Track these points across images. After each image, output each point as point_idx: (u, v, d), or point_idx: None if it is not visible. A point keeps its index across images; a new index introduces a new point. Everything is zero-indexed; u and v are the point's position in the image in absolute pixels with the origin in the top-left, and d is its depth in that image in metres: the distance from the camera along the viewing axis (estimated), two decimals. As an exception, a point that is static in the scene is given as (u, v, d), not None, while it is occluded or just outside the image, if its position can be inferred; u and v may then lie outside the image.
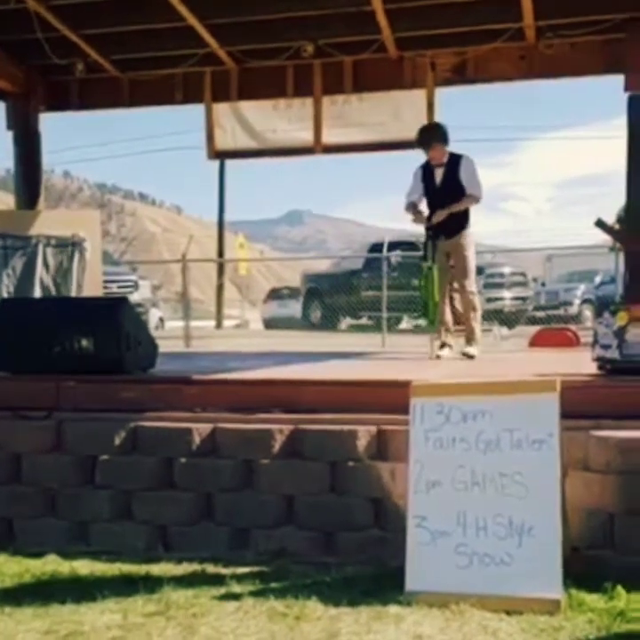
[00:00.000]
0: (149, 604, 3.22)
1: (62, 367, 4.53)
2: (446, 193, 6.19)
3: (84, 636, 2.98)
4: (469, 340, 6.16)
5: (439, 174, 6.27)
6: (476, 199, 6.24)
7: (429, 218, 6.21)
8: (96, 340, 4.60)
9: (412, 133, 6.62)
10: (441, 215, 6.13)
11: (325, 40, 7.59)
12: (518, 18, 7.08)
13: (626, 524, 3.46)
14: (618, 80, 7.20)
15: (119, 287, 14.43)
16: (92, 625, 3.05)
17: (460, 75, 7.68)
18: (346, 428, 3.89)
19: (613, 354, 4.23)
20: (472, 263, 6.24)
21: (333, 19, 7.36)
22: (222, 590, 3.37)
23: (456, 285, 6.35)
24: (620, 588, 3.20)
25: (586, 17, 7.01)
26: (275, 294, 23.64)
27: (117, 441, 4.12)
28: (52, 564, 3.77)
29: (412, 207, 6.34)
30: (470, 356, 5.98)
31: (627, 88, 7.11)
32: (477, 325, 6.25)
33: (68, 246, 7.69)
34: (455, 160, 6.23)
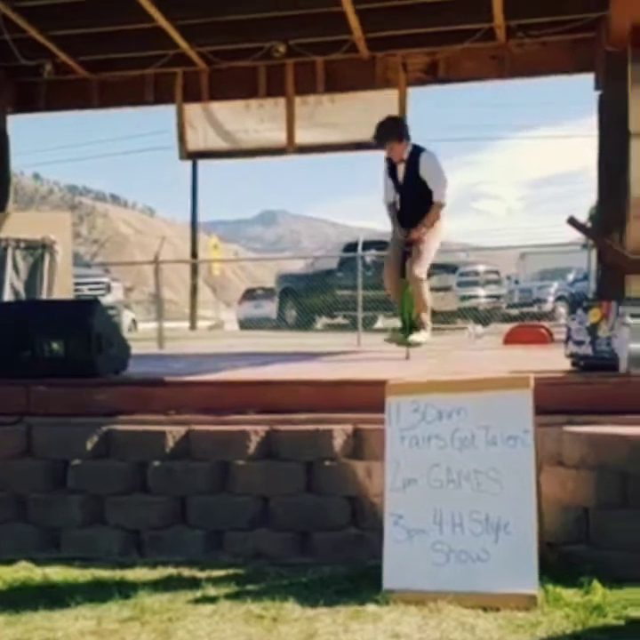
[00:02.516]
0: (124, 610, 3.18)
1: (33, 371, 4.46)
2: (409, 191, 6.04)
3: (58, 642, 2.94)
4: (416, 327, 6.00)
5: (401, 171, 6.10)
6: (441, 205, 6.04)
7: (405, 231, 6.04)
8: (67, 344, 4.53)
9: (384, 133, 6.59)
10: (418, 232, 5.99)
11: (297, 40, 7.58)
12: (489, 18, 7.11)
13: (600, 519, 3.47)
14: (589, 79, 7.25)
15: (91, 289, 14.35)
16: (66, 631, 3.01)
17: (432, 75, 7.70)
18: (321, 427, 3.87)
19: (586, 350, 4.25)
20: (429, 252, 6.04)
21: (305, 19, 7.35)
22: (198, 594, 3.33)
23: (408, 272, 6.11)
24: (595, 583, 3.20)
25: (556, 16, 7.05)
26: (249, 295, 23.62)
27: (89, 445, 4.07)
28: (23, 571, 3.71)
29: (390, 211, 6.19)
30: (416, 344, 5.86)
31: (597, 87, 7.17)
32: (424, 313, 6.05)
33: (39, 249, 7.60)
34: (415, 157, 6.04)
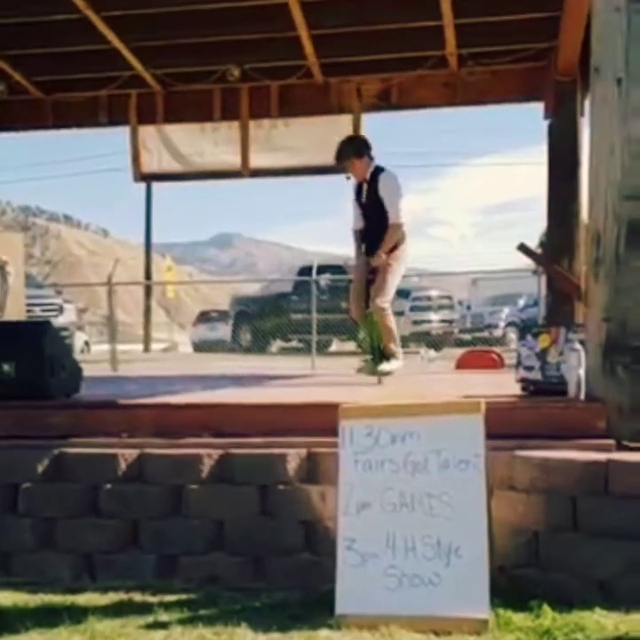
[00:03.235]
0: (74, 635, 3.14)
1: (-17, 393, 4.40)
2: (371, 212, 6.00)
3: (6, 670, 2.89)
4: (386, 356, 5.91)
5: (364, 190, 6.06)
6: (397, 228, 5.92)
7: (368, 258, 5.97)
8: (18, 365, 4.49)
9: (339, 158, 6.64)
10: (378, 260, 5.89)
11: (252, 64, 7.62)
12: (441, 46, 7.23)
13: (550, 542, 3.52)
14: (539, 107, 7.42)
15: (43, 310, 14.19)
16: (14, 658, 2.96)
17: (386, 101, 7.80)
18: (275, 451, 3.88)
19: (536, 375, 4.33)
20: (391, 279, 5.93)
21: (259, 43, 7.39)
22: (150, 619, 3.29)
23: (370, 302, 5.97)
24: (545, 607, 3.24)
25: (506, 46, 7.20)
26: (204, 317, 23.59)
27: (40, 468, 4.01)
28: (-29, 597, 3.64)
29: (356, 238, 6.15)
30: (385, 373, 5.81)
31: (546, 116, 7.34)
32: (392, 343, 5.95)
33: (-10, 270, 7.52)
34: (375, 176, 5.99)
